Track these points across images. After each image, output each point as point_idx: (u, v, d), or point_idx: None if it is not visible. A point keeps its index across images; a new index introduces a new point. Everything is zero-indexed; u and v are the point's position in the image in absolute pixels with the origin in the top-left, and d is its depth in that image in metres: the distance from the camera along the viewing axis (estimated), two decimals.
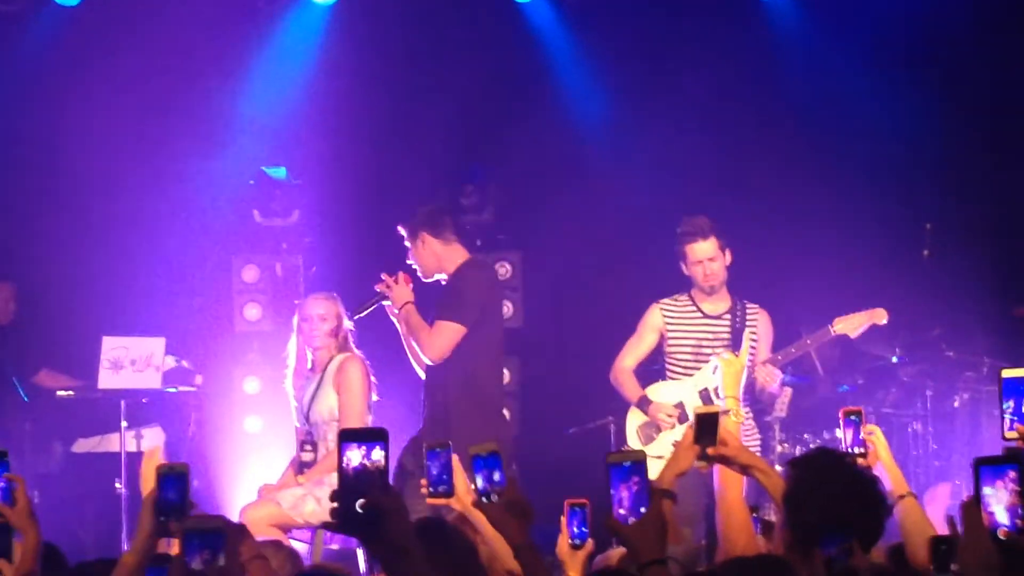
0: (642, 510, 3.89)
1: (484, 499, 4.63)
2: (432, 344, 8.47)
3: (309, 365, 8.76)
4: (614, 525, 3.93)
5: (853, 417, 5.66)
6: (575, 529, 5.28)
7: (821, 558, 4.26)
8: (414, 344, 8.57)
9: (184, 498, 4.39)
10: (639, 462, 3.91)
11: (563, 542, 5.27)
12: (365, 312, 8.72)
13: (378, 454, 3.52)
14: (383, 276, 8.67)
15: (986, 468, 3.70)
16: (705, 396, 8.58)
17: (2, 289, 11.24)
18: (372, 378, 8.65)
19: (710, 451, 5.00)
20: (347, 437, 3.53)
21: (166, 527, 4.39)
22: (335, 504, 3.48)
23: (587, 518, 5.29)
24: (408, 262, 8.73)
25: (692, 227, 8.73)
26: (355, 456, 3.52)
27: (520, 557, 4.62)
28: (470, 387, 8.51)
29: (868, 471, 4.84)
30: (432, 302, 8.66)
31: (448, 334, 8.47)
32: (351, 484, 3.50)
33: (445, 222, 8.70)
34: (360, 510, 3.46)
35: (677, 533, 4.86)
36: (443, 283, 8.71)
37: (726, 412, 5.74)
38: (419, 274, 8.71)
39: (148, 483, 5.80)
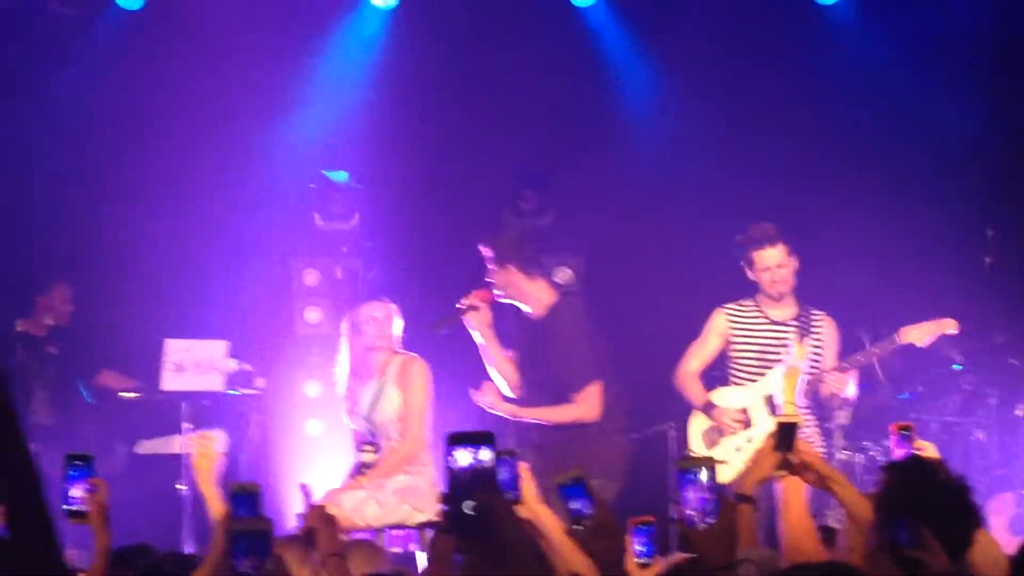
0: (714, 508, 3.89)
1: (574, 526, 4.62)
2: (590, 411, 8.60)
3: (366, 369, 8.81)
4: (684, 530, 3.94)
5: (905, 432, 5.63)
6: (641, 547, 5.29)
7: (888, 547, 4.21)
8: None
9: (257, 516, 4.42)
10: (710, 468, 3.92)
11: (630, 559, 5.28)
12: (444, 326, 8.76)
13: (486, 455, 3.52)
14: (464, 302, 8.74)
15: None
16: (770, 402, 8.57)
17: (57, 290, 11.27)
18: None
19: (791, 457, 4.98)
20: (455, 440, 3.53)
21: None
22: (443, 506, 3.49)
23: (653, 536, 5.30)
24: (487, 280, 8.78)
25: (760, 233, 8.70)
26: (463, 457, 3.52)
27: None
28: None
29: (963, 479, 4.81)
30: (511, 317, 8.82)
31: (596, 394, 8.61)
32: (460, 486, 3.50)
33: (532, 256, 8.82)
34: (470, 511, 3.46)
35: (755, 538, 4.85)
36: (530, 319, 8.81)
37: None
38: (497, 295, 8.78)
39: (203, 472, 5.91)
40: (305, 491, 5.22)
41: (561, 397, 8.65)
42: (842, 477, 5.18)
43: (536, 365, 8.74)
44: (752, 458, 5.12)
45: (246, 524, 4.05)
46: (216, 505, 5.67)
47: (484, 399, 8.68)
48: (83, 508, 5.08)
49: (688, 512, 3.89)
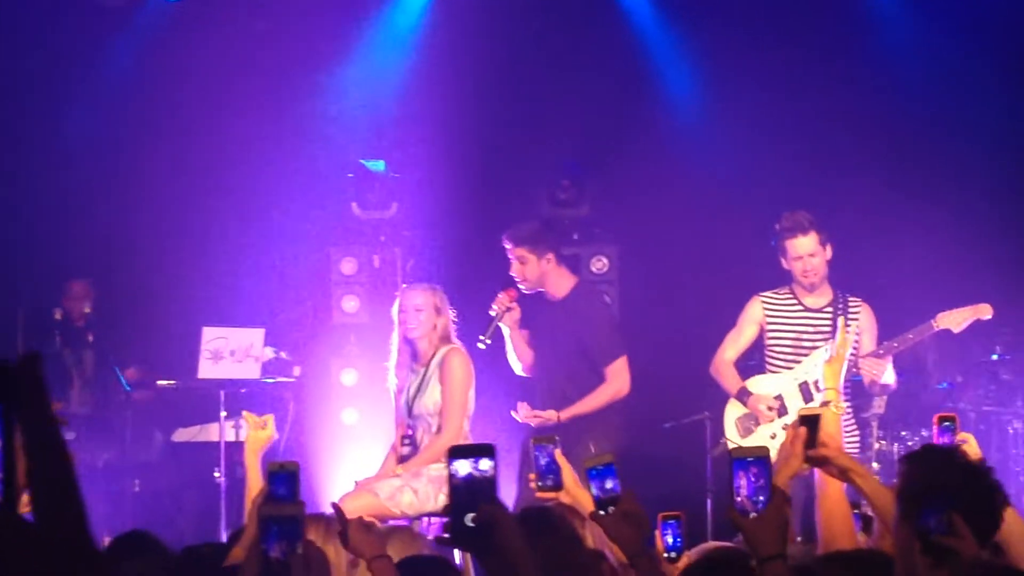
0: (766, 498, 3.91)
1: (599, 511, 4.65)
2: (620, 387, 9.01)
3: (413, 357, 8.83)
4: (735, 518, 3.94)
5: (947, 423, 5.61)
6: (669, 540, 5.30)
7: (916, 533, 4.20)
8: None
9: (295, 496, 4.42)
10: (763, 458, 3.94)
11: (658, 553, 5.29)
12: (489, 335, 8.86)
13: (486, 465, 3.55)
14: (498, 307, 8.84)
15: None
16: (805, 389, 8.58)
17: (74, 288, 11.23)
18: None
19: (810, 452, 4.97)
20: (455, 454, 3.56)
21: None
22: (447, 519, 3.50)
23: (681, 530, 5.30)
24: (511, 274, 8.91)
25: (792, 222, 8.70)
26: (464, 467, 3.55)
27: (637, 567, 4.62)
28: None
29: (982, 462, 4.79)
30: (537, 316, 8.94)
31: (623, 368, 9.02)
32: (462, 497, 3.52)
33: (560, 245, 9.02)
34: (471, 523, 3.48)
35: (792, 531, 4.84)
36: (554, 302, 9.03)
37: (827, 404, 5.73)
38: (522, 287, 8.94)
39: (252, 446, 6.03)
40: (337, 510, 5.22)
41: (593, 371, 8.88)
42: (863, 468, 5.17)
43: (564, 343, 8.93)
44: (778, 454, 5.11)
45: (276, 509, 4.05)
46: (255, 480, 5.80)
47: (522, 415, 8.83)
48: None
49: (739, 501, 3.91)
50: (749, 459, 3.92)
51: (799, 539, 7.88)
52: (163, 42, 11.58)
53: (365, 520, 4.87)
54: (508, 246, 9.07)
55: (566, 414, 8.83)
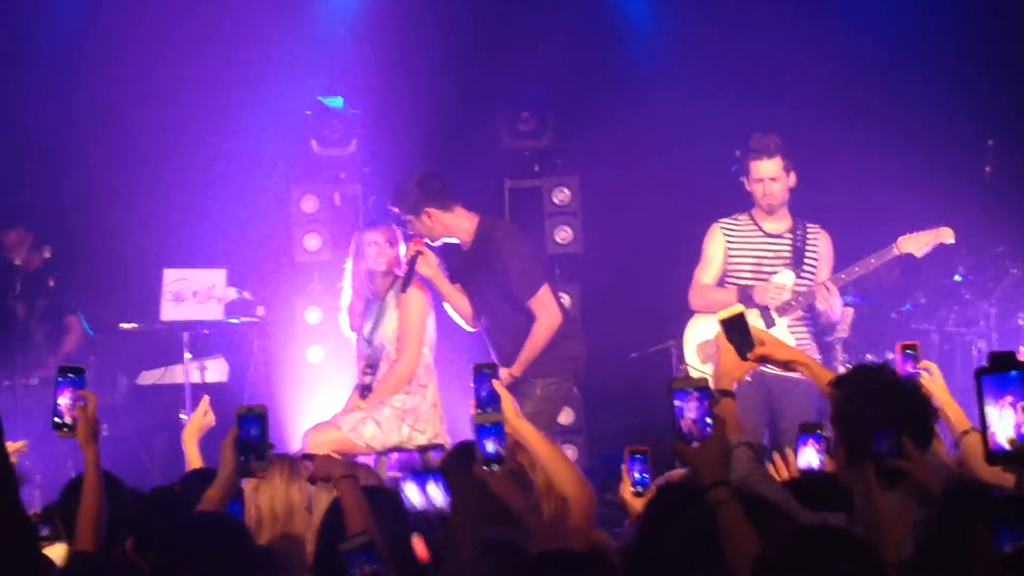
0: (707, 427, 3.94)
1: (485, 467, 4.69)
2: (551, 319, 8.63)
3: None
4: (678, 447, 3.98)
5: (910, 351, 5.63)
6: (636, 475, 5.32)
7: (871, 457, 4.25)
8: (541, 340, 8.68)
9: (264, 437, 4.49)
10: (703, 387, 3.97)
11: (625, 488, 5.31)
12: (408, 283, 8.65)
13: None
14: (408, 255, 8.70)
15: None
16: (766, 313, 8.54)
17: (9, 237, 10.98)
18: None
19: (749, 355, 4.98)
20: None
21: (247, 466, 4.50)
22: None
23: (648, 464, 5.32)
24: (411, 233, 8.72)
25: (759, 144, 8.66)
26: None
27: (526, 522, 4.66)
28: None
29: (907, 376, 4.83)
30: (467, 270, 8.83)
31: (547, 299, 8.65)
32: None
33: (444, 190, 8.75)
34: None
35: (741, 427, 4.85)
36: (466, 250, 8.82)
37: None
38: (428, 242, 8.73)
39: (190, 440, 6.15)
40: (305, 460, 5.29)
41: (517, 310, 8.66)
42: (804, 356, 5.21)
43: (486, 288, 8.75)
44: (716, 363, 5.12)
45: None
46: (195, 458, 6.20)
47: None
48: (70, 421, 5.06)
49: (685, 430, 3.96)
50: (690, 389, 3.97)
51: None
52: None
53: (331, 455, 4.92)
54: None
55: (517, 369, 8.59)
